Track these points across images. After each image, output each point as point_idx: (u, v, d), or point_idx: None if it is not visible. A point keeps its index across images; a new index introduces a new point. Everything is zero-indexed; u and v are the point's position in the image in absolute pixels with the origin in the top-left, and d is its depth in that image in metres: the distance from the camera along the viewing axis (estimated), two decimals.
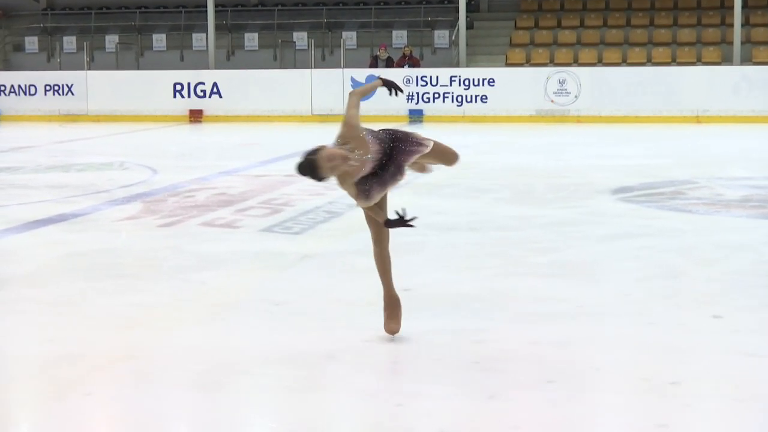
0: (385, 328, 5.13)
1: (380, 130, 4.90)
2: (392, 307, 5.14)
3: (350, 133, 4.74)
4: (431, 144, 4.91)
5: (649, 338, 5.18)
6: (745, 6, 22.40)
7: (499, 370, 4.68)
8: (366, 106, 21.49)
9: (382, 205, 5.01)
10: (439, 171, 11.85)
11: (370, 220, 5.04)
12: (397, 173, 4.86)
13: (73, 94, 22.72)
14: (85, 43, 24.61)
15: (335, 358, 4.84)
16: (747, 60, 22.32)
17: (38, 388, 4.50)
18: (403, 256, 7.16)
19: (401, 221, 4.83)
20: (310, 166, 4.61)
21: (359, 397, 4.38)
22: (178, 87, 22.35)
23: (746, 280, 6.55)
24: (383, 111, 20.66)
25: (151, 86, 22.55)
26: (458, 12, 23.09)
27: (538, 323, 5.44)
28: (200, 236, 8.10)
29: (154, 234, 8.28)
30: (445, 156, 5.06)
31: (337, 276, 6.68)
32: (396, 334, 5.12)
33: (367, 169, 4.77)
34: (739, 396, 4.35)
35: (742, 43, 22.03)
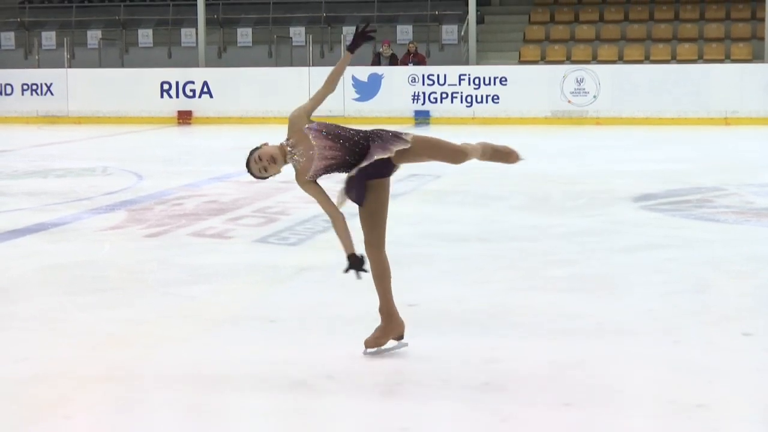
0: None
1: (353, 128, 5.02)
2: (386, 321, 5.14)
3: (291, 129, 4.99)
4: (410, 138, 4.97)
5: (674, 357, 5.18)
6: None
7: (512, 392, 4.67)
8: (369, 107, 21.63)
9: (382, 212, 5.06)
10: (447, 177, 11.91)
11: (364, 221, 5.07)
12: (365, 169, 4.93)
13: (52, 93, 22.75)
14: (65, 39, 24.67)
15: (335, 379, 4.84)
16: None
17: (12, 411, 4.50)
18: (409, 269, 7.16)
19: (359, 265, 4.91)
20: (246, 165, 5.04)
21: (361, 420, 4.38)
22: (166, 86, 22.38)
23: None
24: (386, 112, 20.72)
25: (136, 85, 22.57)
26: (468, 5, 23.12)
27: (555, 341, 5.44)
28: (189, 247, 8.11)
29: (139, 245, 8.28)
30: (442, 152, 5.08)
31: (337, 290, 6.67)
32: (370, 350, 5.12)
33: (318, 165, 4.91)
34: None
35: None
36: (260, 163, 4.94)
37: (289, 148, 4.95)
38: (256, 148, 4.99)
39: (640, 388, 4.74)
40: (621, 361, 5.13)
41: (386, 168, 4.97)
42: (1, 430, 4.31)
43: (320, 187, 4.99)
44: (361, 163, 4.90)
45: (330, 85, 5.04)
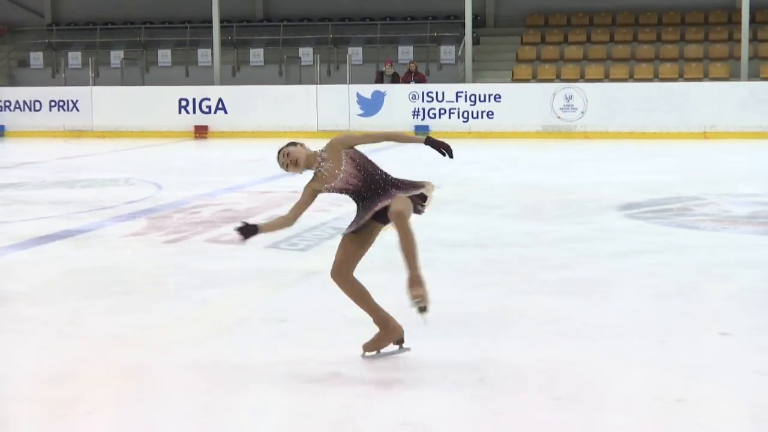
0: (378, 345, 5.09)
1: (382, 170, 4.97)
2: (382, 327, 5.05)
3: (331, 147, 4.95)
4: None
5: (662, 357, 5.12)
6: (752, 21, 22.38)
7: (506, 388, 4.62)
8: (372, 122, 21.59)
9: (369, 240, 5.04)
10: (445, 188, 11.85)
11: (348, 249, 5.02)
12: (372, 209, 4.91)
13: (78, 109, 22.73)
14: (90, 59, 24.65)
15: (341, 376, 4.79)
16: (755, 75, 22.26)
17: (35, 408, 4.45)
18: None
19: (246, 231, 4.95)
20: (277, 152, 5.01)
21: (365, 415, 4.33)
22: (184, 103, 22.36)
23: (756, 298, 6.50)
24: (388, 127, 20.62)
25: (156, 102, 22.56)
26: (464, 27, 23.09)
27: (547, 341, 5.39)
28: (206, 253, 8.06)
29: (159, 251, 8.24)
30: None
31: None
32: (368, 353, 5.03)
33: (337, 185, 4.92)
34: (754, 416, 4.29)
35: (750, 58, 21.99)
36: (285, 159, 4.97)
37: (320, 159, 4.95)
38: (293, 144, 5.01)
39: (628, 386, 4.69)
40: (611, 360, 5.07)
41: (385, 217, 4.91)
42: (23, 427, 4.27)
43: (312, 200, 4.99)
44: (374, 200, 4.88)
45: (387, 139, 5.10)
